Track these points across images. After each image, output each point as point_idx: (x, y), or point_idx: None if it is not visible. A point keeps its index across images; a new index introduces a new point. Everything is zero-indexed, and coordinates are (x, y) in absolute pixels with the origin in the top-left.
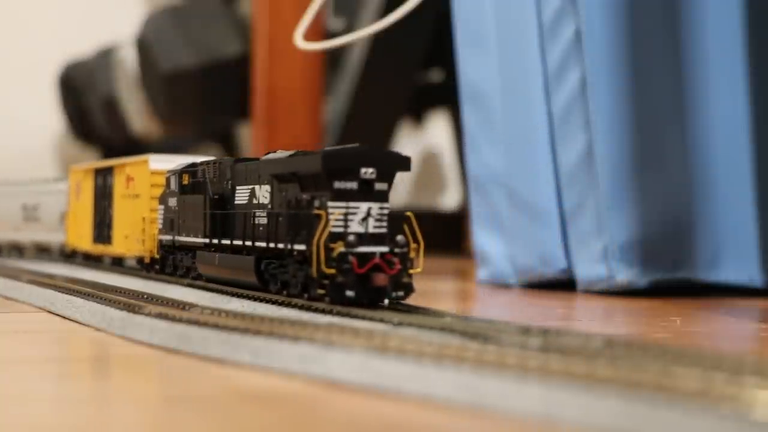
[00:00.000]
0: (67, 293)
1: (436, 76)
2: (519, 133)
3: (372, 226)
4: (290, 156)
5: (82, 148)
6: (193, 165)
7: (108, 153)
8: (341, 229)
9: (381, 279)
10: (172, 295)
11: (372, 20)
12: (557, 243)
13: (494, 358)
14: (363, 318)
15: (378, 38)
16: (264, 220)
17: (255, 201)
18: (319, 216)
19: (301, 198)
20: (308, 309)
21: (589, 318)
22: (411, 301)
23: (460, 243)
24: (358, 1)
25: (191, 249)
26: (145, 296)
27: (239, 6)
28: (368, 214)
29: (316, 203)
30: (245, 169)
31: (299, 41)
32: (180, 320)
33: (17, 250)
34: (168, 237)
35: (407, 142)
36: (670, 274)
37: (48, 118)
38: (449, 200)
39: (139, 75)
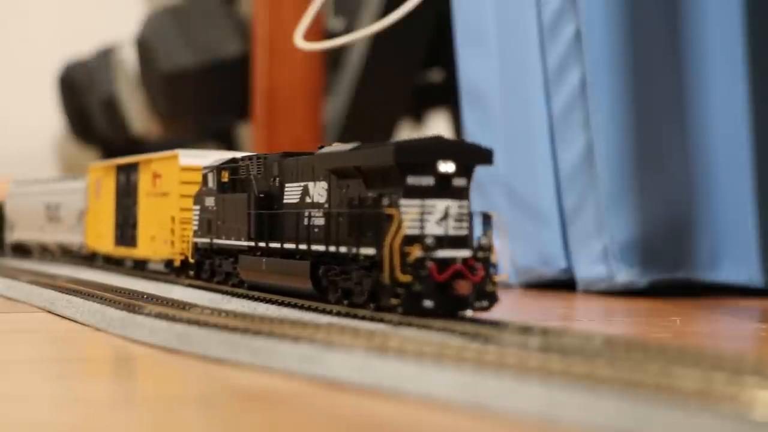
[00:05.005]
0: (67, 293)
1: (436, 76)
2: (519, 133)
3: (452, 228)
4: (353, 149)
5: (82, 148)
6: (234, 160)
7: (108, 153)
8: (416, 231)
9: (464, 287)
10: (173, 295)
11: (372, 20)
12: (557, 243)
13: (494, 358)
14: (363, 318)
15: (378, 38)
16: (321, 221)
17: (308, 199)
18: (390, 216)
19: (365, 196)
20: (309, 309)
21: (589, 318)
22: None
23: None
24: (358, 1)
25: (232, 253)
26: (145, 296)
27: (239, 6)
28: (446, 214)
29: (385, 201)
30: (296, 165)
31: (299, 41)
32: (180, 320)
33: (46, 251)
34: (205, 240)
35: None
36: (670, 274)
37: (48, 118)
38: None
39: (139, 75)
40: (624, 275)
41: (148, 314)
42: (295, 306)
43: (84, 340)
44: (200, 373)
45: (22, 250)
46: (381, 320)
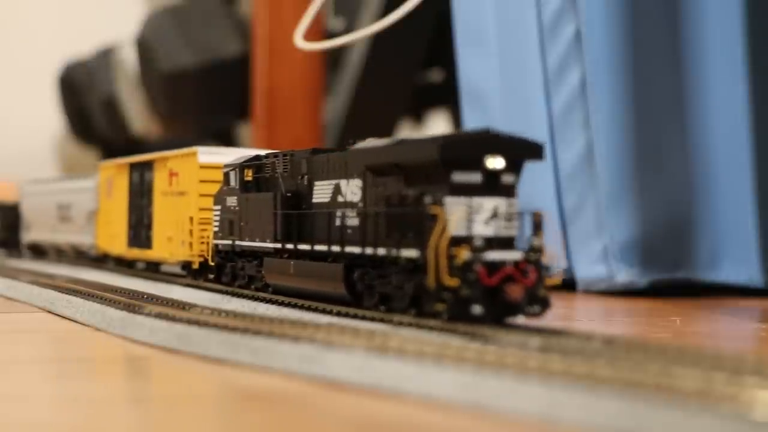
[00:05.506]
0: (67, 293)
1: (436, 76)
2: (519, 133)
3: (501, 228)
4: (393, 144)
5: (82, 148)
6: (258, 158)
7: (108, 153)
8: (463, 232)
9: (517, 291)
10: (172, 295)
11: (372, 20)
12: (557, 243)
13: (494, 358)
14: (363, 318)
15: (378, 38)
16: (355, 221)
17: (340, 198)
18: (434, 215)
19: (405, 194)
20: (309, 309)
21: (589, 318)
22: None
23: None
24: (358, 1)
25: (256, 255)
26: (145, 296)
27: (239, 6)
28: (495, 213)
29: (428, 199)
30: (327, 162)
31: (299, 41)
32: (180, 320)
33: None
34: (226, 241)
35: None
36: (670, 274)
37: (48, 118)
38: None
39: (139, 75)
40: (624, 275)
41: (148, 314)
42: (295, 306)
43: (84, 340)
44: (200, 373)
45: (37, 250)
46: (381, 320)
